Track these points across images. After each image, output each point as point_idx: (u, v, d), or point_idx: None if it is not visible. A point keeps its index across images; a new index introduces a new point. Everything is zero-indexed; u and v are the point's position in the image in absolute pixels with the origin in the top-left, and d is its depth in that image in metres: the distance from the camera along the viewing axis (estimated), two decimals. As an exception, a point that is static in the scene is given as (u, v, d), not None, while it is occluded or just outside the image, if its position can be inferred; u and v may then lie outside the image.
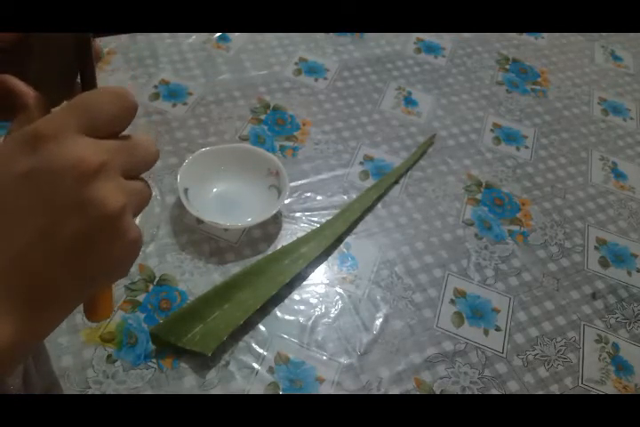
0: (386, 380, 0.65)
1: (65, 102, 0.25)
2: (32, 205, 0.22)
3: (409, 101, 0.98)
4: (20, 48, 0.27)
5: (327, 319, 0.69)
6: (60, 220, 0.22)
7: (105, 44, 0.96)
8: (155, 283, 0.68)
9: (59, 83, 0.28)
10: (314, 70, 0.99)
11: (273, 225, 0.76)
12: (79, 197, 0.22)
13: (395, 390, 0.64)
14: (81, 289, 0.24)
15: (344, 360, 0.65)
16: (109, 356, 0.62)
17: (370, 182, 0.84)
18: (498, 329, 0.71)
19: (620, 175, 0.94)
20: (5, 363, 0.21)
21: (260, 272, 0.69)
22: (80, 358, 0.61)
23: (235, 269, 0.71)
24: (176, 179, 0.71)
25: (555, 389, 0.67)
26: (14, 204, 0.22)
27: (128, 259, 0.24)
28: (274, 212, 0.71)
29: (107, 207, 0.22)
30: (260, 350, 0.65)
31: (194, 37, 1.00)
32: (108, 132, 0.24)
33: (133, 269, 0.68)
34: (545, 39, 1.17)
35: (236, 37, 1.02)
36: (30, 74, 0.26)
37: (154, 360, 0.62)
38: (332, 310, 0.70)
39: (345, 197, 0.81)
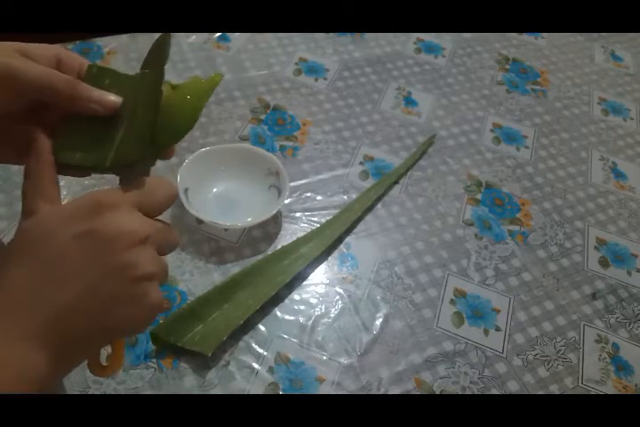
0: (386, 380, 0.65)
1: (128, 181, 0.30)
2: (83, 261, 0.26)
3: (409, 101, 0.98)
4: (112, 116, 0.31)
5: (327, 319, 0.69)
6: (104, 276, 0.26)
7: (105, 43, 0.96)
8: (155, 283, 0.68)
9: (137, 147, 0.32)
10: (314, 70, 0.99)
11: (273, 225, 0.76)
12: (124, 259, 0.26)
13: (395, 390, 0.64)
14: (102, 339, 0.29)
15: (344, 360, 0.65)
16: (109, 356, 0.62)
17: (370, 182, 0.84)
18: (498, 329, 0.71)
19: (620, 175, 0.94)
20: (43, 387, 0.26)
21: (260, 272, 0.69)
22: (80, 358, 0.61)
23: (235, 269, 0.71)
24: (176, 179, 0.71)
25: (555, 389, 0.67)
26: (68, 259, 0.26)
27: (147, 318, 0.29)
28: (274, 212, 0.71)
29: (142, 271, 0.27)
30: (260, 350, 0.65)
31: (194, 37, 1.00)
32: (154, 213, 0.29)
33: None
34: (545, 39, 1.17)
35: (236, 37, 1.02)
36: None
37: (154, 360, 0.62)
38: (332, 310, 0.70)
39: (345, 197, 0.81)
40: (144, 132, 0.32)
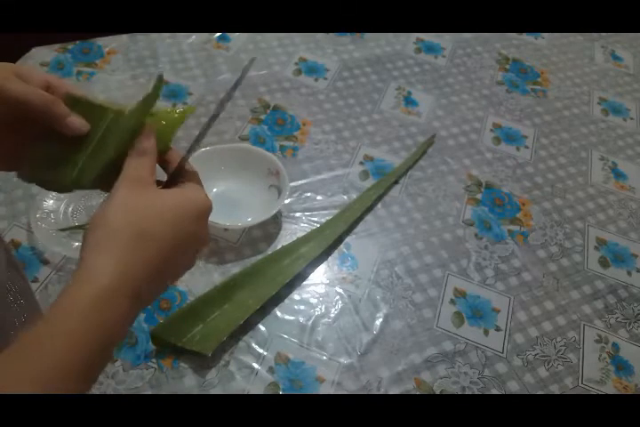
0: (386, 380, 0.65)
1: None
2: (178, 242, 0.33)
3: (409, 101, 0.98)
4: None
5: (327, 319, 0.69)
6: (183, 252, 0.34)
7: (105, 43, 0.96)
8: (155, 283, 0.68)
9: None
10: (314, 70, 0.99)
11: (273, 225, 0.76)
12: (201, 244, 0.36)
13: (395, 390, 0.64)
14: (163, 289, 0.35)
15: (344, 360, 0.65)
16: (109, 356, 0.62)
17: (370, 182, 0.84)
18: (498, 329, 0.71)
19: (620, 175, 0.94)
20: (127, 327, 0.31)
21: (260, 272, 0.69)
22: (80, 358, 0.61)
23: (235, 269, 0.71)
24: (176, 179, 0.71)
25: (555, 389, 0.67)
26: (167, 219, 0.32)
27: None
28: (274, 212, 0.71)
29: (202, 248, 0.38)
30: (260, 350, 0.65)
31: (194, 37, 1.00)
32: None
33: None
34: (545, 39, 1.17)
35: (236, 37, 1.02)
36: None
37: (154, 360, 0.62)
38: (332, 310, 0.70)
39: (345, 197, 0.81)
40: (107, 157, 0.35)
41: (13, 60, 0.90)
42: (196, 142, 0.38)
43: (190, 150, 0.38)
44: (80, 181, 0.36)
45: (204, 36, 1.01)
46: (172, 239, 0.32)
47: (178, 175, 0.38)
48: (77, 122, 0.34)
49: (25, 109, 0.33)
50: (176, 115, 0.38)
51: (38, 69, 0.90)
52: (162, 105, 0.88)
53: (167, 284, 0.35)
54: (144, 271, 0.30)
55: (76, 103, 0.35)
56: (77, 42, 0.96)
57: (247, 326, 0.66)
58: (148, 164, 0.34)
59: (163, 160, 0.38)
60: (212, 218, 0.70)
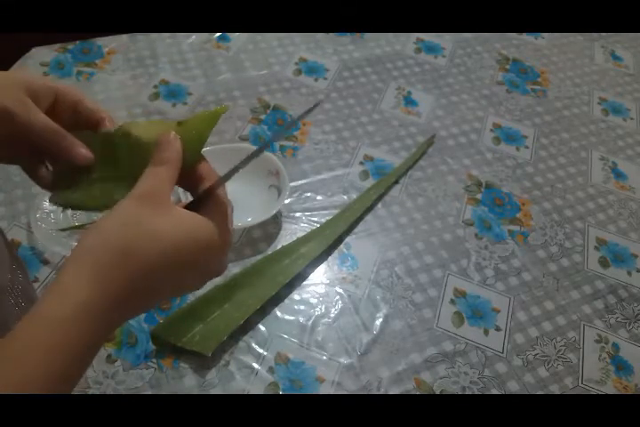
0: (386, 380, 0.65)
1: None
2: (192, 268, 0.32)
3: (409, 101, 0.98)
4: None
5: (327, 319, 0.69)
6: (210, 259, 0.33)
7: (105, 43, 0.96)
8: (155, 283, 0.68)
9: None
10: (314, 70, 0.99)
11: (273, 225, 0.76)
12: (212, 276, 0.35)
13: (395, 390, 0.64)
14: (157, 302, 0.35)
15: (344, 360, 0.65)
16: (109, 356, 0.62)
17: (370, 182, 0.84)
18: (498, 329, 0.71)
19: (620, 175, 0.94)
20: (108, 333, 0.30)
21: (260, 272, 0.69)
22: (80, 358, 0.61)
23: (235, 269, 0.71)
24: (176, 179, 0.71)
25: (555, 389, 0.67)
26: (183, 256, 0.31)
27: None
28: (274, 212, 0.71)
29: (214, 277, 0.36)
30: (260, 350, 0.65)
31: (194, 37, 1.00)
32: None
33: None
34: (545, 39, 1.17)
35: (236, 37, 1.02)
36: None
37: (154, 360, 0.62)
38: (332, 310, 0.70)
39: (345, 197, 0.81)
40: (108, 184, 0.35)
41: (13, 60, 0.90)
42: (234, 171, 0.35)
43: (226, 177, 0.34)
44: (66, 206, 0.37)
45: (204, 36, 1.01)
46: (164, 263, 0.30)
47: (206, 199, 0.34)
48: (82, 154, 0.35)
49: (32, 140, 0.33)
50: (206, 117, 0.35)
51: (41, 74, 0.90)
52: (161, 104, 0.88)
53: (157, 302, 0.34)
54: (124, 287, 0.29)
55: (95, 139, 0.35)
56: (77, 42, 0.96)
57: (247, 326, 0.66)
58: (166, 175, 0.32)
59: (193, 173, 0.35)
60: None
